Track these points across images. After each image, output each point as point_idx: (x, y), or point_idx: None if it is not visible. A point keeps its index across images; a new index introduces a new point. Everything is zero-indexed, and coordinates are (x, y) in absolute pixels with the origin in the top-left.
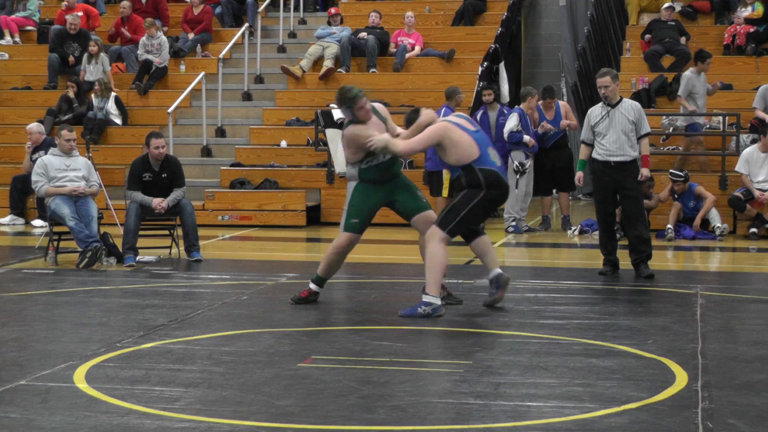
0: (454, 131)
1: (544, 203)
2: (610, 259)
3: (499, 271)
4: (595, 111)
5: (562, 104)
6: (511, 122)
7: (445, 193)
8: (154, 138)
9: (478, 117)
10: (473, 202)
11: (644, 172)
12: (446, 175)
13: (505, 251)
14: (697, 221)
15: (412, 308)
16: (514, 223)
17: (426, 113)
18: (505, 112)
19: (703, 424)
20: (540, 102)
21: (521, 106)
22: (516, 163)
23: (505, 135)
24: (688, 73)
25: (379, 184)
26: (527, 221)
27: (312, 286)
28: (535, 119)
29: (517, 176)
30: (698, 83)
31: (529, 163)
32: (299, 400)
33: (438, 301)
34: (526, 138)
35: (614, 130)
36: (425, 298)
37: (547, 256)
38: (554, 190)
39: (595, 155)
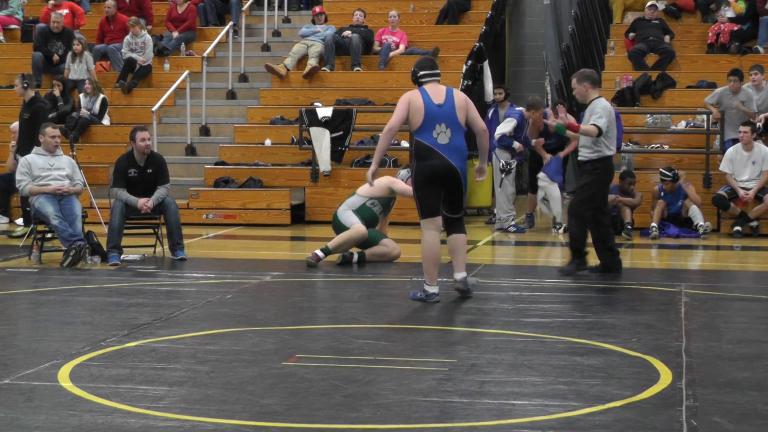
0: (418, 99)
1: (530, 200)
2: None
3: (460, 276)
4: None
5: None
6: (507, 126)
7: None
8: (139, 132)
9: (489, 115)
10: (415, 179)
11: (551, 122)
12: None
13: (490, 249)
14: (683, 212)
15: (414, 292)
16: (513, 222)
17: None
18: (517, 109)
19: (688, 422)
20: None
21: (526, 114)
22: (502, 161)
23: (496, 136)
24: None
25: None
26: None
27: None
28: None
29: (503, 175)
30: (726, 99)
31: (515, 163)
32: (284, 398)
33: (433, 290)
34: (516, 144)
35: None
36: (424, 287)
37: (532, 254)
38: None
39: None
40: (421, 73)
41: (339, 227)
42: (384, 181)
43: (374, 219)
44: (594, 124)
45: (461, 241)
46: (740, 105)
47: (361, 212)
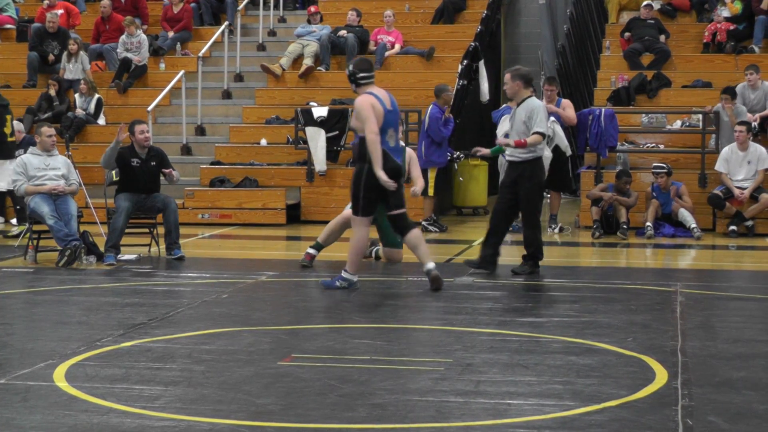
0: (377, 103)
1: None
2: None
3: (430, 266)
4: (512, 110)
5: (564, 101)
6: (503, 126)
7: (431, 192)
8: (137, 124)
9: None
10: (363, 178)
11: (504, 141)
12: (431, 173)
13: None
14: (675, 208)
15: (331, 280)
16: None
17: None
18: (505, 106)
19: (683, 421)
20: (544, 88)
21: (509, 104)
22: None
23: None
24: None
25: None
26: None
27: (312, 251)
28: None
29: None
30: (748, 94)
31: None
32: (279, 398)
33: (354, 278)
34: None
35: (513, 130)
36: (344, 275)
37: None
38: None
39: None
40: (361, 75)
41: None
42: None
43: None
44: (538, 132)
45: (419, 235)
46: (733, 118)
47: None
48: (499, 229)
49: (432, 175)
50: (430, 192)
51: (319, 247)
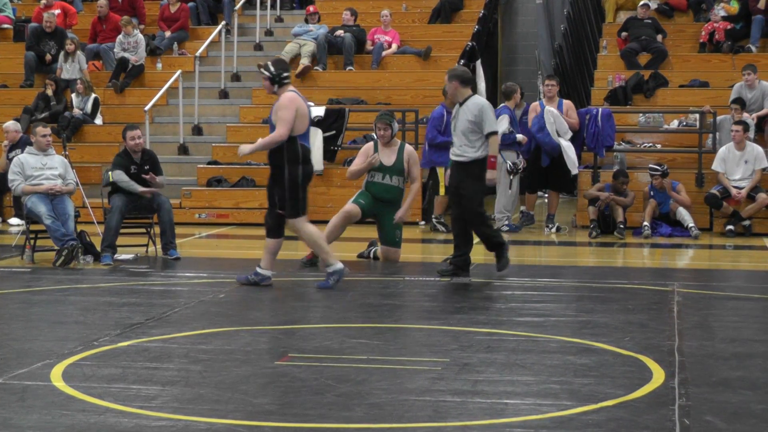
0: (302, 104)
1: (529, 200)
2: (457, 257)
3: (266, 273)
4: (454, 110)
5: (566, 102)
6: (502, 125)
7: (441, 191)
8: (129, 130)
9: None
10: (297, 179)
11: (488, 174)
12: (440, 172)
13: (483, 249)
14: (673, 207)
15: (325, 281)
16: (507, 222)
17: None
18: (502, 105)
19: (680, 421)
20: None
21: (506, 104)
22: (509, 163)
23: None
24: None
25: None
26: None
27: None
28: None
29: (511, 176)
30: (745, 93)
31: (521, 163)
32: (276, 398)
33: (339, 265)
34: (519, 137)
35: (457, 129)
36: (328, 269)
37: (525, 253)
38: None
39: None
40: (285, 75)
41: None
42: None
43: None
44: (493, 132)
45: (278, 243)
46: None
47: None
48: (466, 234)
49: (441, 173)
50: (441, 191)
51: None
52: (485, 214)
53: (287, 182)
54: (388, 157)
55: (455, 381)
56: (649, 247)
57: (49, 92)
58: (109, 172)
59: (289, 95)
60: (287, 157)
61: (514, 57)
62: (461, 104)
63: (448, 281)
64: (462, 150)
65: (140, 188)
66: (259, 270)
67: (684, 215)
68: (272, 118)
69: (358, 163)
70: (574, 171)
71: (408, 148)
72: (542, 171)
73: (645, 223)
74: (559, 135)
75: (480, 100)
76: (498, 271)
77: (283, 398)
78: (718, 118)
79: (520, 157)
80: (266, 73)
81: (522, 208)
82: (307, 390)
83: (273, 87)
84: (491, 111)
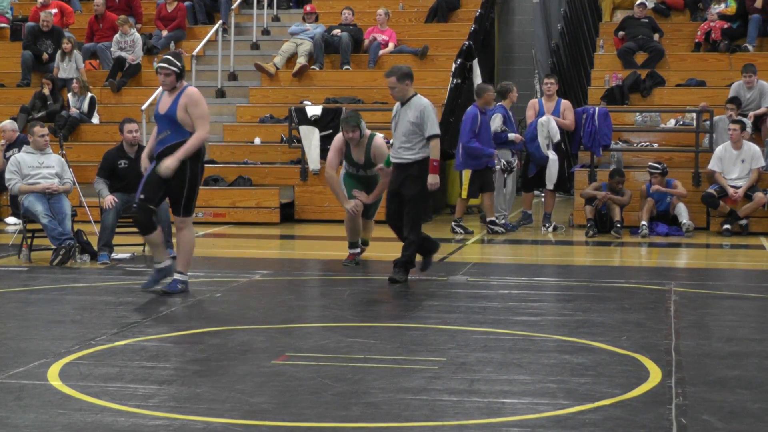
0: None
1: (526, 199)
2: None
3: (163, 264)
4: (394, 109)
5: (564, 102)
6: (495, 124)
7: (464, 194)
8: (127, 123)
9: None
10: (197, 176)
11: (429, 179)
12: (465, 175)
13: (479, 248)
14: (672, 207)
15: (173, 284)
16: (504, 221)
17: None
18: (497, 105)
19: (677, 420)
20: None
21: (502, 103)
22: (503, 161)
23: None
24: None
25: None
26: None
27: (351, 250)
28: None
29: (505, 175)
30: (743, 93)
31: (515, 162)
32: (273, 397)
33: (188, 278)
34: (512, 135)
35: (398, 130)
36: (179, 277)
37: (522, 252)
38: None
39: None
40: (184, 69)
41: None
42: None
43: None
44: (434, 135)
45: (160, 235)
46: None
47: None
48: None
49: (466, 176)
50: (463, 194)
51: (365, 243)
52: (422, 221)
53: (188, 179)
54: (359, 155)
55: (452, 380)
56: (645, 246)
57: (46, 91)
58: (97, 177)
59: (195, 89)
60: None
61: (511, 56)
62: (404, 104)
63: (438, 281)
64: (401, 152)
65: (107, 200)
66: (159, 266)
67: (681, 211)
68: (178, 114)
69: (332, 161)
70: (550, 186)
71: (375, 141)
72: (537, 174)
73: (643, 222)
74: (549, 147)
75: (423, 100)
76: (421, 270)
77: (279, 397)
78: (715, 118)
79: (515, 156)
80: (173, 68)
81: (525, 208)
82: (304, 389)
83: (176, 82)
84: (433, 113)
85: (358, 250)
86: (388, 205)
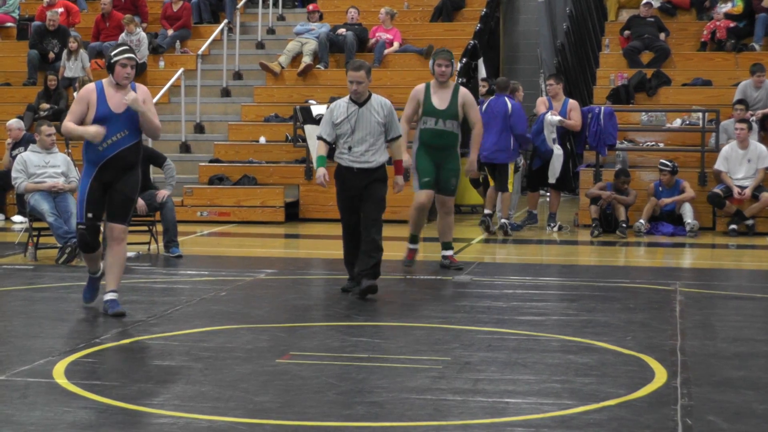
0: None
1: (531, 198)
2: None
3: (109, 296)
4: (341, 109)
5: (571, 102)
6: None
7: (510, 188)
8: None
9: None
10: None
11: (398, 180)
12: (511, 169)
13: (484, 248)
14: (678, 206)
15: (113, 305)
16: (507, 220)
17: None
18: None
19: (682, 420)
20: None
21: (520, 98)
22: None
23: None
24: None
25: (431, 148)
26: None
27: (411, 246)
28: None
29: None
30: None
31: (521, 161)
32: (277, 396)
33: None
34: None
35: (361, 130)
36: (115, 296)
37: (526, 252)
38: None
39: (338, 159)
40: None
41: None
42: None
43: (436, 135)
44: (398, 136)
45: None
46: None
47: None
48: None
49: (512, 170)
50: (510, 188)
51: (418, 239)
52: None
53: (138, 183)
54: (441, 100)
55: (456, 380)
56: (651, 246)
57: (51, 85)
58: None
59: (143, 86)
60: (139, 157)
61: (516, 55)
62: (362, 104)
63: (443, 280)
64: (368, 156)
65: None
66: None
67: (687, 210)
68: (138, 107)
69: (408, 113)
70: (552, 180)
71: (463, 89)
72: (540, 170)
73: (641, 220)
74: (554, 142)
75: (385, 99)
76: (358, 291)
77: (284, 396)
78: (722, 123)
79: (520, 155)
80: (137, 60)
81: (531, 208)
82: (308, 388)
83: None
84: (394, 112)
85: (416, 247)
86: (344, 211)
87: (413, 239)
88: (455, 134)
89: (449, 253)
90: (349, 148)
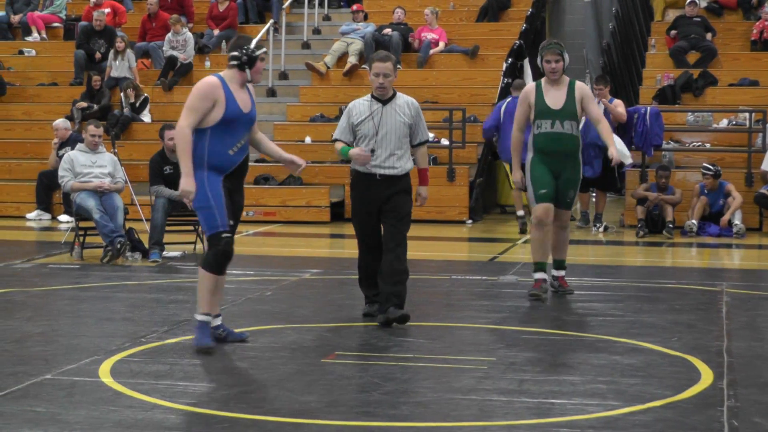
0: None
1: (582, 199)
2: (376, 296)
3: None
4: (362, 108)
5: (616, 101)
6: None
7: (513, 185)
8: (167, 130)
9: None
10: None
11: (423, 192)
12: (507, 168)
13: (527, 248)
14: (725, 219)
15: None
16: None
17: None
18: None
19: (729, 422)
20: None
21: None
22: None
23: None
24: None
25: (548, 156)
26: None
27: (537, 275)
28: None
29: None
30: None
31: None
32: (322, 395)
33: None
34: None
35: (386, 131)
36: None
37: (572, 252)
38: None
39: (356, 165)
40: None
41: None
42: None
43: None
44: (426, 140)
45: None
46: None
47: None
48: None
49: (507, 168)
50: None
51: (544, 267)
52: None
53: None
54: (556, 98)
55: (501, 380)
56: (697, 246)
57: (95, 85)
58: (153, 188)
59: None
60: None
61: None
62: (387, 101)
63: (488, 280)
64: (393, 160)
65: (176, 193)
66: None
67: (735, 212)
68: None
69: (520, 120)
70: (628, 161)
71: (579, 83)
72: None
73: (692, 220)
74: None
75: (412, 99)
76: (388, 318)
77: (328, 396)
78: None
79: None
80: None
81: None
82: (352, 388)
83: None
84: (422, 114)
85: (544, 275)
86: (363, 226)
87: (539, 267)
88: (575, 137)
89: (561, 273)
90: (372, 151)
